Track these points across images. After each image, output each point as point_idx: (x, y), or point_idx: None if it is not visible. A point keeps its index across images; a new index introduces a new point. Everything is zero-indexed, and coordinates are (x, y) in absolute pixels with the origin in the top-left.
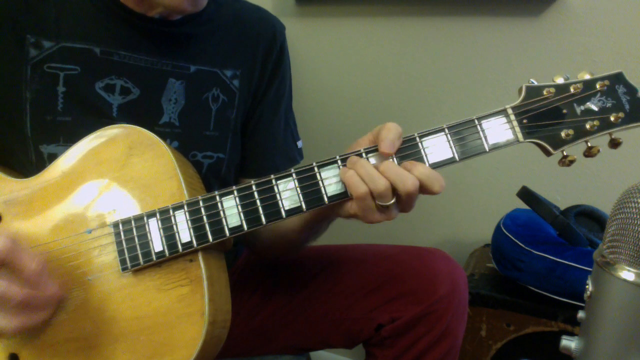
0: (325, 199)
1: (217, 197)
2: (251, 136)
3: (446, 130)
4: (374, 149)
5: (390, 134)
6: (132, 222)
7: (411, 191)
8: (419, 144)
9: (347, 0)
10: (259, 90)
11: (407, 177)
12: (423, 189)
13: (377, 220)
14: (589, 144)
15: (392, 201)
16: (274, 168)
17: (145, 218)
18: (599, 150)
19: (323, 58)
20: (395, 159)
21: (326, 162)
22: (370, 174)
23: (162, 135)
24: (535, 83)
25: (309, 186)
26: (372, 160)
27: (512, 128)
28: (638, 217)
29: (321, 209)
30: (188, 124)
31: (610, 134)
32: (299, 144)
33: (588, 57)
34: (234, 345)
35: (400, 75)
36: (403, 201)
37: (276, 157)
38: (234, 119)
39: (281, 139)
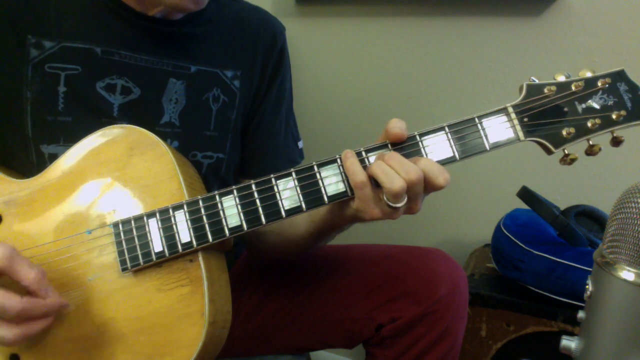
0: (325, 199)
1: (217, 197)
2: (252, 138)
3: (446, 129)
4: (373, 148)
5: (398, 123)
6: (132, 222)
7: (414, 180)
8: (419, 142)
9: (347, 0)
10: (259, 92)
11: (410, 166)
12: (428, 182)
13: (378, 216)
14: (591, 142)
15: (404, 202)
16: (274, 169)
17: (145, 218)
18: (600, 149)
19: (323, 58)
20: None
21: (326, 161)
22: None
23: (163, 135)
24: (536, 81)
25: (309, 185)
26: (373, 159)
27: (513, 127)
28: (638, 217)
29: (331, 218)
30: (188, 124)
31: (612, 132)
32: (300, 144)
33: (588, 57)
34: (234, 346)
35: (400, 75)
36: (409, 195)
37: (277, 159)
38: (234, 119)
39: (282, 141)
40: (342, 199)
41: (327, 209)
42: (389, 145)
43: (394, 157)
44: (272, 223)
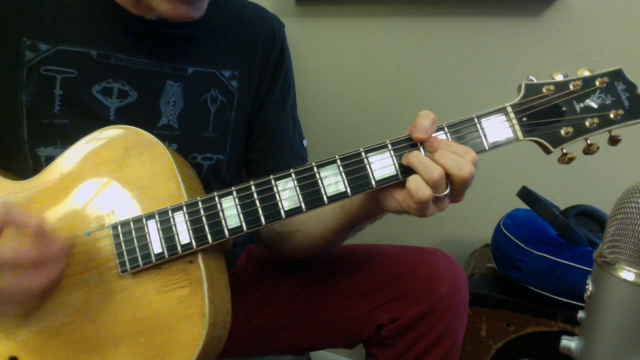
0: (325, 199)
1: (216, 198)
2: (259, 137)
3: (446, 129)
4: (372, 148)
5: (424, 121)
6: (131, 223)
7: (466, 177)
8: (418, 143)
9: (347, 0)
10: (260, 91)
11: (463, 163)
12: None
13: (431, 213)
14: (589, 142)
15: (447, 191)
16: (287, 167)
17: (144, 220)
18: (598, 148)
19: (323, 58)
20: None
21: (325, 161)
22: (423, 162)
23: (161, 138)
24: (535, 80)
25: (308, 186)
26: (372, 159)
27: (512, 126)
28: (638, 217)
29: (368, 207)
30: (187, 126)
31: (609, 131)
32: (304, 142)
33: (588, 57)
34: (234, 346)
35: (400, 75)
36: (457, 189)
37: (289, 156)
38: (234, 120)
39: (291, 137)
40: (342, 199)
41: (365, 197)
42: (446, 128)
43: (444, 154)
44: (272, 224)
